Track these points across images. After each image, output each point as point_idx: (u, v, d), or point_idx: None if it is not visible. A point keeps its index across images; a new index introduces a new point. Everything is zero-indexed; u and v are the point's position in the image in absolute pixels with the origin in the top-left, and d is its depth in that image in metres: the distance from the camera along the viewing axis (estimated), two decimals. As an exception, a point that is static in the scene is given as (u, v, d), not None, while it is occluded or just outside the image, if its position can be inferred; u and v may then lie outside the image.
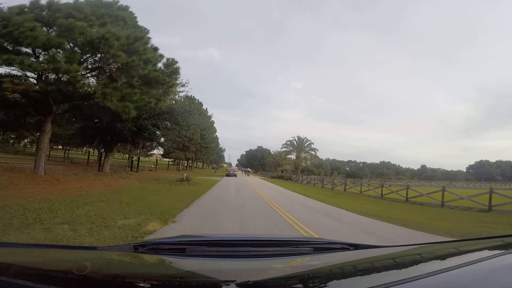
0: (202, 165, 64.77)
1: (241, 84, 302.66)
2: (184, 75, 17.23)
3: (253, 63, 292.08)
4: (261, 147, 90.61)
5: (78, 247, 2.17)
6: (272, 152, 66.42)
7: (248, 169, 59.07)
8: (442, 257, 0.94)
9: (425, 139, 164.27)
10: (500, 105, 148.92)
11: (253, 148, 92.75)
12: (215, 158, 65.17)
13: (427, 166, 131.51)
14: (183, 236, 1.76)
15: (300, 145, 46.06)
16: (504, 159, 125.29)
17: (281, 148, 49.96)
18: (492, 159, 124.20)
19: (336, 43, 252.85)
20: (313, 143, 46.17)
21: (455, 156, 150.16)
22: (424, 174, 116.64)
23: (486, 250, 0.88)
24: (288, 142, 47.86)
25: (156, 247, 1.27)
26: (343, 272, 0.89)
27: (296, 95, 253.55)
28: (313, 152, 46.39)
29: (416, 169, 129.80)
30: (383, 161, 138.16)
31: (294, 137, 47.22)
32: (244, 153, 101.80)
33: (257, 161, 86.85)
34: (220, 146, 70.46)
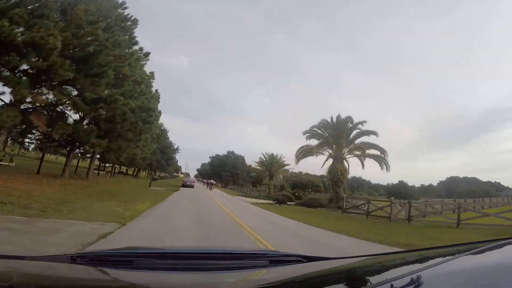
0: (137, 173, 39.09)
1: (208, 94, 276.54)
2: None
3: (225, 76, 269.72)
4: (232, 152, 67.79)
5: (1, 256, 1.42)
6: (262, 156, 39.04)
7: (212, 181, 42.28)
8: (390, 267, 0.96)
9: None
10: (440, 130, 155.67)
11: (221, 154, 69.33)
12: (157, 159, 36.71)
13: (404, 181, 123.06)
14: (130, 247, 1.60)
15: (342, 131, 21.24)
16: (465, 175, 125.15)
17: (307, 138, 23.42)
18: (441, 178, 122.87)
19: (304, 61, 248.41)
20: (376, 133, 21.10)
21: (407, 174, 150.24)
22: (404, 190, 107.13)
23: (432, 259, 0.88)
24: (315, 130, 22.65)
25: (98, 259, 1.15)
26: (298, 286, 0.88)
27: (264, 111, 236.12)
28: (375, 151, 20.78)
29: (385, 184, 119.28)
30: (354, 176, 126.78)
31: (328, 118, 22.57)
32: (208, 160, 77.10)
33: (227, 171, 63.58)
34: (171, 143, 44.96)
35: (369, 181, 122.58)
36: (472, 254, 0.79)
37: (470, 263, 0.76)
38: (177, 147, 47.19)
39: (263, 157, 37.60)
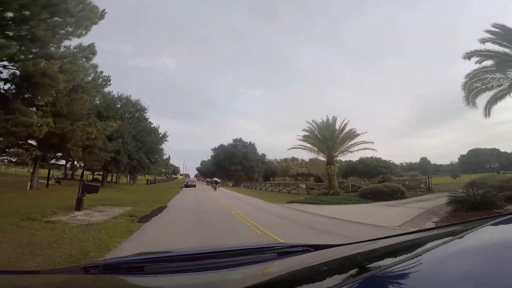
0: (118, 178, 23.42)
1: (198, 94, 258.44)
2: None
3: (221, 76, 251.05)
4: (240, 139, 53.16)
5: (17, 271, 1.71)
6: (310, 125, 20.36)
7: (216, 179, 33.78)
8: (399, 249, 0.94)
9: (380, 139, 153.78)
10: (430, 107, 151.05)
11: (225, 144, 54.56)
12: (128, 151, 20.25)
13: (428, 159, 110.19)
14: (141, 253, 1.58)
15: None
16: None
17: (476, 62, 10.30)
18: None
19: (290, 54, 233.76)
20: None
21: (400, 154, 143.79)
22: (429, 168, 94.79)
23: (443, 237, 0.89)
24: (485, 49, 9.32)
25: (111, 267, 1.17)
26: (304, 275, 0.87)
27: (257, 104, 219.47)
28: None
29: (400, 164, 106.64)
30: (373, 156, 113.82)
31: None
32: (210, 156, 62.15)
33: (237, 164, 49.00)
34: (154, 128, 27.98)
35: (390, 160, 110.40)
36: (483, 229, 0.76)
37: (481, 238, 0.75)
38: (165, 132, 31.61)
39: (312, 126, 20.15)
